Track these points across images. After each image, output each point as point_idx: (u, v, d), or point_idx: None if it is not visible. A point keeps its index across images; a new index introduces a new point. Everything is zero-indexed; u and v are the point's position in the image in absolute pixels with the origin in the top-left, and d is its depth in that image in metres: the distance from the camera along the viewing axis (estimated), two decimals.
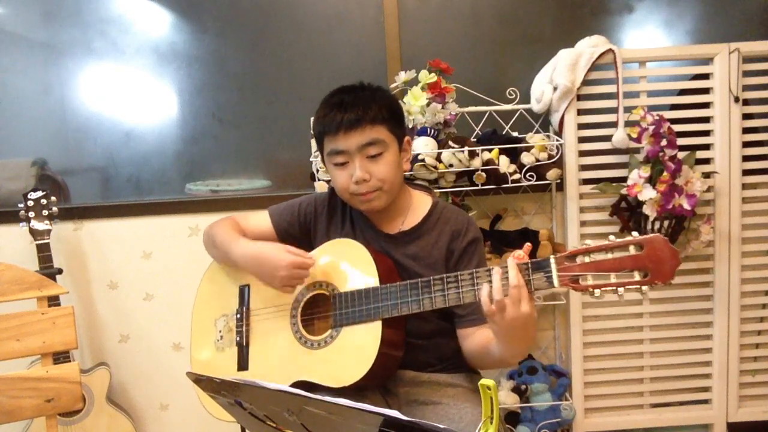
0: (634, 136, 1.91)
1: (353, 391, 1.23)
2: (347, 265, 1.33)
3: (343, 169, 1.33)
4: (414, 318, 1.29)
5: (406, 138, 1.40)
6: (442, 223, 1.39)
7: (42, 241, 2.05)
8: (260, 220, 1.50)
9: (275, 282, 1.33)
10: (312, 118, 1.38)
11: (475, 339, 1.31)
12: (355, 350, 1.26)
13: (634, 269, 1.05)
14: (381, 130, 1.31)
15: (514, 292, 1.10)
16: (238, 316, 1.42)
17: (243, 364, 1.39)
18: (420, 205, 1.43)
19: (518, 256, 2.05)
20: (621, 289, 1.06)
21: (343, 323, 1.29)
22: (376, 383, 1.35)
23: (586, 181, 2.09)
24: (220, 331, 1.44)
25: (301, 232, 1.48)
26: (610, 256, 1.07)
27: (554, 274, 1.10)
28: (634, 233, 1.08)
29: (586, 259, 1.08)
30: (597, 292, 1.07)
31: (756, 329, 2.14)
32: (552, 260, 1.10)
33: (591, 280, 1.08)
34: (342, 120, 1.28)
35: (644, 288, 1.05)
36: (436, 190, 1.84)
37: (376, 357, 1.23)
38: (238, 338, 1.41)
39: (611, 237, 1.08)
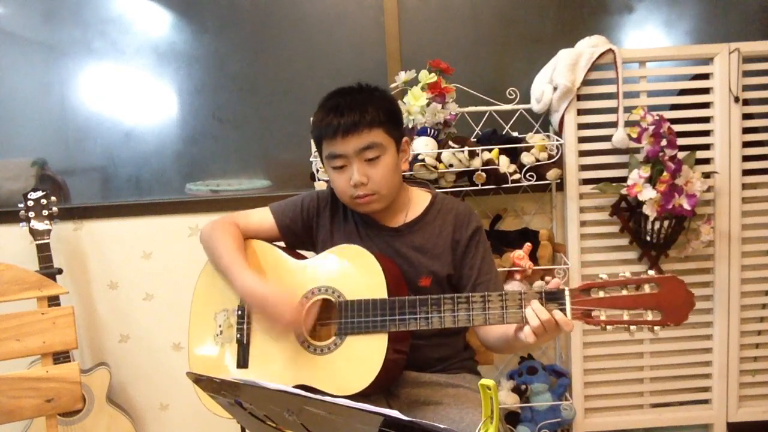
0: (634, 136, 1.91)
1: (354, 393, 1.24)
2: (355, 272, 1.32)
3: (342, 172, 1.33)
4: None
5: (405, 138, 1.40)
6: (444, 212, 1.41)
7: (42, 241, 2.05)
8: (262, 217, 1.49)
9: (272, 329, 1.33)
10: (311, 120, 1.38)
11: (495, 330, 1.30)
12: (359, 360, 1.25)
13: (648, 308, 1.06)
14: (378, 134, 1.31)
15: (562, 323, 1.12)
16: (239, 312, 1.40)
17: (243, 362, 1.38)
18: (420, 199, 1.44)
19: (518, 256, 2.06)
20: (633, 328, 1.07)
21: (348, 332, 1.28)
22: (380, 390, 1.34)
23: (586, 181, 2.09)
24: (219, 326, 1.43)
25: (303, 229, 1.48)
26: (624, 292, 1.08)
27: (568, 306, 1.11)
28: (651, 272, 1.09)
29: (601, 294, 1.09)
30: (609, 327, 1.08)
31: (756, 329, 2.14)
32: (567, 292, 1.11)
33: (604, 315, 1.08)
34: (339, 124, 1.28)
35: (656, 328, 1.06)
36: (443, 194, 1.84)
37: (381, 369, 1.23)
38: (238, 335, 1.39)
39: (627, 273, 1.09)
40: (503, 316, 1.18)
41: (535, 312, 1.11)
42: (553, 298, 1.12)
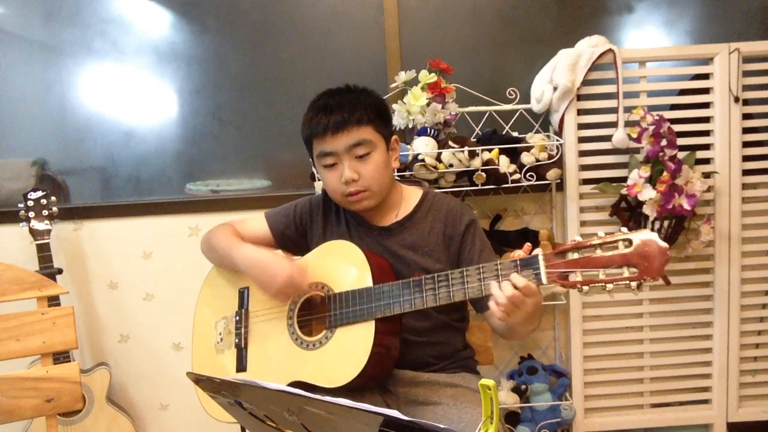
0: (634, 136, 1.91)
1: (352, 391, 1.23)
2: (342, 266, 1.33)
3: (333, 170, 1.35)
4: (411, 313, 1.28)
5: (394, 137, 1.42)
6: (435, 209, 1.42)
7: (42, 241, 2.05)
8: (257, 224, 1.51)
9: (271, 290, 1.33)
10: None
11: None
12: (348, 351, 1.26)
13: (623, 266, 1.05)
14: (367, 131, 1.33)
15: (525, 291, 1.10)
16: (237, 318, 1.42)
17: (241, 366, 1.39)
18: (411, 197, 1.45)
19: (518, 256, 2.05)
20: (610, 286, 1.05)
21: (338, 324, 1.29)
22: (373, 383, 1.35)
23: (586, 181, 2.09)
24: (219, 334, 1.45)
25: (297, 234, 1.50)
26: (599, 252, 1.07)
27: (542, 270, 1.10)
28: (623, 229, 1.07)
29: (575, 256, 1.08)
30: (585, 288, 1.07)
31: (756, 329, 2.14)
32: (540, 257, 1.11)
33: (580, 276, 1.07)
34: (328, 122, 1.31)
35: (633, 284, 1.04)
36: (436, 191, 1.85)
37: (369, 357, 1.23)
38: (237, 340, 1.41)
39: (600, 233, 1.08)
40: (481, 289, 1.18)
41: (502, 290, 1.11)
42: (527, 264, 1.12)
